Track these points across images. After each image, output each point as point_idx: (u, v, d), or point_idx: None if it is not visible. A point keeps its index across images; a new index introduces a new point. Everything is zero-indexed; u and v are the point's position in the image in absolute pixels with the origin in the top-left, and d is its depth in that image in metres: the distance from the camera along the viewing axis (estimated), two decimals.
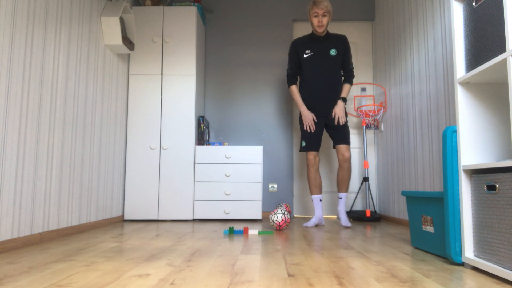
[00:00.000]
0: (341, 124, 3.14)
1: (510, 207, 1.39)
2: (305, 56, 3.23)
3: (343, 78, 3.28)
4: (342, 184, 3.19)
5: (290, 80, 3.30)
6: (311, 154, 3.19)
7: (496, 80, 1.65)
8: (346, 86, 3.24)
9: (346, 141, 3.16)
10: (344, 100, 3.19)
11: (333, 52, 3.19)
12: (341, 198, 3.20)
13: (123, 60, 3.60)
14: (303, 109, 3.21)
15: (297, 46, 3.26)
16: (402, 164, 3.41)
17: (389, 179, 3.72)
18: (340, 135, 3.16)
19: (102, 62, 3.17)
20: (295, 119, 4.27)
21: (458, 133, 1.67)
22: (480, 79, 1.63)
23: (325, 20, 3.13)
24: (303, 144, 3.21)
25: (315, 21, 3.14)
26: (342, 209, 3.20)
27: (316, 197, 3.21)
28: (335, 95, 3.20)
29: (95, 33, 3.06)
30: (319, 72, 3.19)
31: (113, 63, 3.39)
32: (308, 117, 3.18)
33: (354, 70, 3.21)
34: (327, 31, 3.24)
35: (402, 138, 3.41)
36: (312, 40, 3.24)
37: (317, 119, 3.21)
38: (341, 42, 3.22)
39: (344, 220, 3.15)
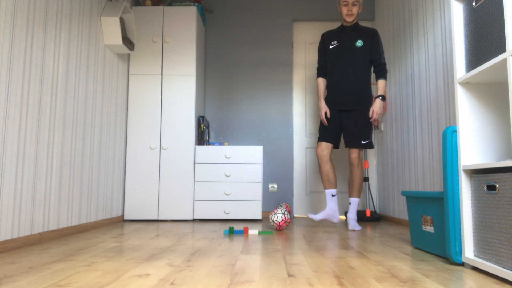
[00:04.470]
0: (375, 125, 2.99)
1: (510, 207, 1.39)
2: (330, 47, 3.16)
3: (374, 74, 3.00)
4: (350, 188, 3.09)
5: (317, 73, 3.26)
6: (319, 147, 3.07)
7: (496, 80, 1.65)
8: (380, 83, 3.05)
9: (356, 144, 2.99)
10: (383, 98, 3.00)
11: (359, 43, 3.07)
12: (349, 203, 3.07)
13: (123, 60, 3.59)
14: (319, 102, 3.16)
15: (324, 38, 3.22)
16: (402, 164, 3.41)
17: (389, 179, 3.72)
18: (351, 136, 3.01)
19: (102, 62, 3.17)
20: (295, 118, 4.27)
21: (458, 133, 1.67)
22: (480, 79, 1.63)
23: (354, 9, 3.07)
24: (319, 135, 3.13)
25: (344, 9, 3.08)
26: (350, 214, 3.04)
27: (327, 192, 3.06)
28: (355, 88, 3.03)
29: (95, 33, 3.06)
30: (341, 63, 3.08)
31: (113, 63, 3.39)
32: (321, 111, 3.13)
33: (386, 65, 3.02)
34: (357, 23, 3.15)
35: (402, 138, 3.41)
36: (339, 31, 3.18)
37: (333, 112, 3.09)
38: (370, 34, 3.08)
39: (351, 225, 2.98)
